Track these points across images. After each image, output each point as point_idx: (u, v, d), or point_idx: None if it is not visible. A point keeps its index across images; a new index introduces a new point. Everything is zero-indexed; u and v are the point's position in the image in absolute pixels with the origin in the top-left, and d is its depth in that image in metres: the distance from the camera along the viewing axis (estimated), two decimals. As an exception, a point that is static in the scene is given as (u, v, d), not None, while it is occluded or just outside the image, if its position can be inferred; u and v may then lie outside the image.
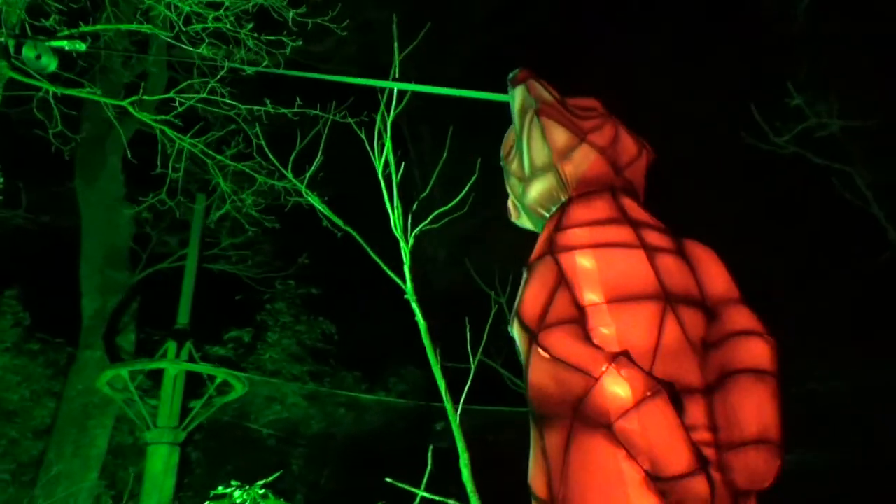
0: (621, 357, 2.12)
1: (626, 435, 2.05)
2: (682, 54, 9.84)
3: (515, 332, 2.51)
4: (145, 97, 4.40)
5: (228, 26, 4.33)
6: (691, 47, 9.61)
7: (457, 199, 4.41)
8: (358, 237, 4.66)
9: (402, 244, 4.37)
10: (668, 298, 2.39)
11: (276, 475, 4.86)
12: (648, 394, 2.04)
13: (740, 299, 2.49)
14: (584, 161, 2.80)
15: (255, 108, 4.57)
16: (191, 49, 4.32)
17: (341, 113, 4.41)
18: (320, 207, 4.67)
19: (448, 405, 4.22)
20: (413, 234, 4.26)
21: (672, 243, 2.61)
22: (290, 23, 4.38)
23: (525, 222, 3.12)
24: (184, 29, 4.25)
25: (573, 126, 2.84)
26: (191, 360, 7.07)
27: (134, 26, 4.34)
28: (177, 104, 4.40)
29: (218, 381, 7.16)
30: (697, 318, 2.40)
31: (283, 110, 4.58)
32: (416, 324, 4.33)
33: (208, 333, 9.36)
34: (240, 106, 4.54)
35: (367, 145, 4.31)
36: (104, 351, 8.37)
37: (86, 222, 8.71)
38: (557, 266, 2.47)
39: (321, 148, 4.46)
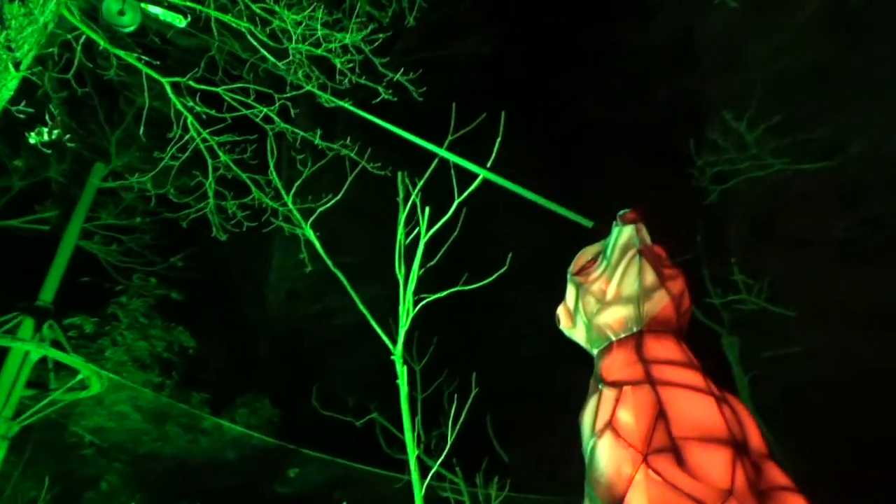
0: (731, 496, 2.51)
1: None
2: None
3: (605, 445, 2.79)
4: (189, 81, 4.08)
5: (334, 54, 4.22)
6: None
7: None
8: (346, 283, 4.65)
9: (401, 308, 4.45)
10: (734, 445, 2.84)
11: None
12: None
13: (770, 455, 3.02)
14: (659, 303, 3.23)
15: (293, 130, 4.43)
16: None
17: (375, 165, 4.45)
18: (317, 245, 4.59)
19: (415, 475, 4.28)
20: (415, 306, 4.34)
21: (720, 391, 3.10)
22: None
23: (577, 334, 3.46)
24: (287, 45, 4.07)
25: (659, 271, 3.27)
26: (57, 345, 6.20)
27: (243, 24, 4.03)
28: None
29: (80, 376, 6.33)
30: (749, 465, 2.87)
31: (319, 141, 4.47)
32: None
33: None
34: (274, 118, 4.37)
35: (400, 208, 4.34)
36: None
37: None
38: (657, 397, 2.83)
39: (345, 187, 4.44)
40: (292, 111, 4.46)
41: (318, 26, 4.15)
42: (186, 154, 4.61)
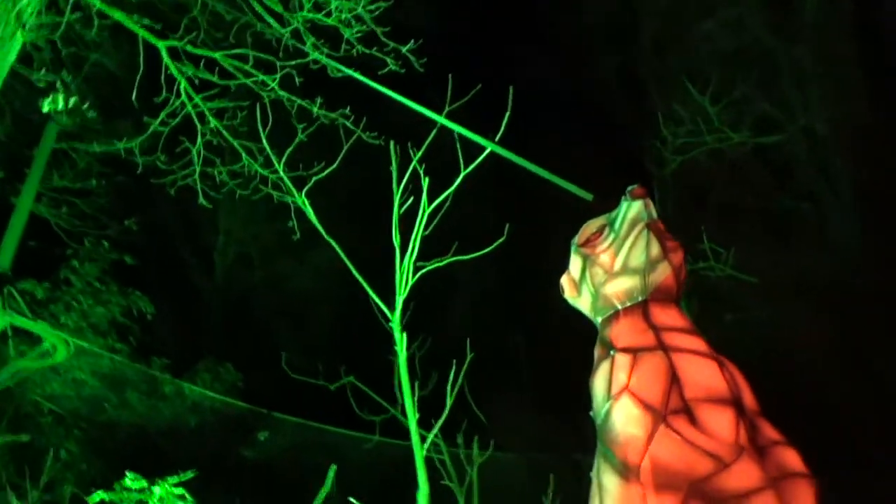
0: (746, 452, 2.77)
1: None
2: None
3: (624, 407, 3.01)
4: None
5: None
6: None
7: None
8: (343, 255, 4.70)
9: (398, 276, 4.54)
10: (736, 405, 3.11)
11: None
12: (766, 484, 2.72)
13: (761, 413, 3.32)
14: (663, 273, 3.45)
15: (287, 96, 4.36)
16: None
17: (371, 134, 4.46)
18: (310, 214, 4.61)
19: (416, 441, 4.43)
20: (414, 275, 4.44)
21: (718, 355, 3.37)
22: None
23: (581, 303, 3.67)
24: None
25: (663, 244, 3.49)
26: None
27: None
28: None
29: (46, 345, 6.14)
30: (747, 422, 3.16)
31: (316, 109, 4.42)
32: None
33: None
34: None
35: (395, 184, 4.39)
36: None
37: None
38: (670, 362, 3.06)
39: (340, 156, 4.47)
40: (297, 79, 4.42)
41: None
42: (177, 120, 4.51)
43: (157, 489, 4.29)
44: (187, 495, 4.40)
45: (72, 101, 3.96)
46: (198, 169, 4.73)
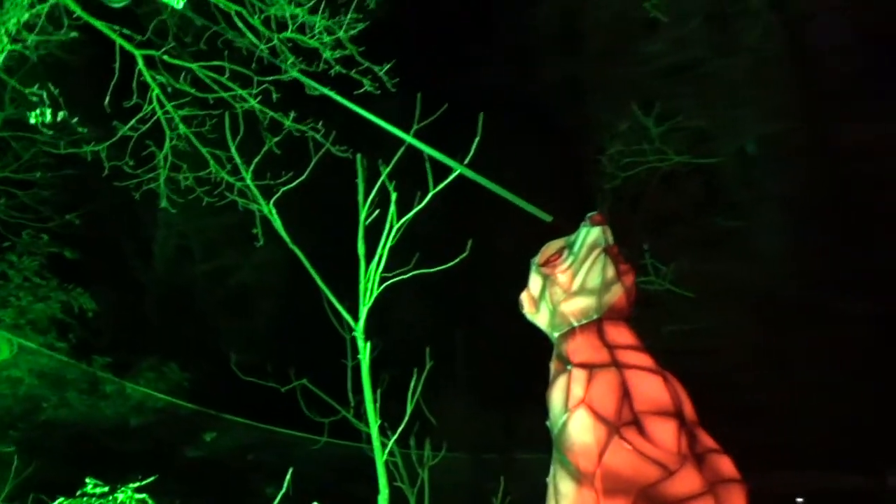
0: (690, 463, 3.07)
1: None
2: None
3: (580, 419, 3.27)
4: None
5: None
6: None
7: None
8: (307, 263, 4.82)
9: (361, 286, 4.69)
10: (678, 416, 3.42)
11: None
12: (704, 489, 3.03)
13: (699, 423, 3.65)
14: (616, 294, 3.74)
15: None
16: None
17: (338, 147, 4.58)
18: (276, 223, 4.70)
19: (377, 447, 4.58)
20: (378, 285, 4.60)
21: (663, 370, 3.68)
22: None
23: (539, 319, 3.92)
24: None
25: (617, 267, 3.78)
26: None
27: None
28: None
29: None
30: (686, 432, 3.47)
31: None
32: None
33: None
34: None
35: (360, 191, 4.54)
36: None
37: None
38: (622, 378, 3.35)
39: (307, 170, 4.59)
40: (274, 95, 4.50)
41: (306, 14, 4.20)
42: (147, 126, 4.52)
43: (119, 495, 4.30)
44: (148, 499, 4.43)
45: (60, 114, 3.93)
46: (164, 174, 4.73)
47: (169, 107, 4.46)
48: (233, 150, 4.53)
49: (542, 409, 3.60)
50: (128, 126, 4.54)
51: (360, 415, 6.61)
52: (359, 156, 4.70)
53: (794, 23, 12.19)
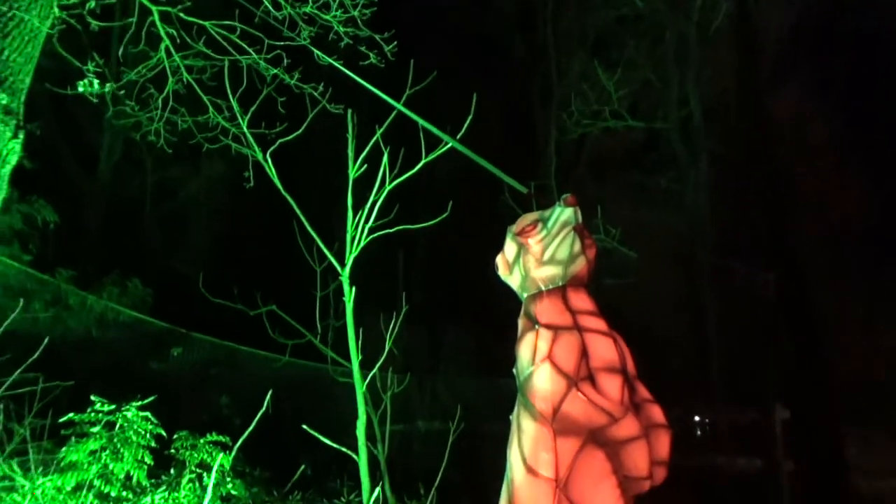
0: (630, 412, 3.80)
1: (627, 453, 3.74)
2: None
3: (545, 372, 3.94)
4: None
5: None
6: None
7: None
8: (296, 207, 5.21)
9: (349, 234, 5.15)
10: (624, 372, 4.15)
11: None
12: (641, 433, 3.77)
13: (637, 376, 4.40)
14: (580, 265, 4.38)
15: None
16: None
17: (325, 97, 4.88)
18: (270, 171, 5.04)
19: (357, 379, 5.17)
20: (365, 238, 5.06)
21: (612, 331, 4.39)
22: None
23: (511, 280, 4.54)
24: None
25: (583, 242, 4.41)
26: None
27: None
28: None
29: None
30: (629, 385, 4.21)
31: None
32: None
33: None
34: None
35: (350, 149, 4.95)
36: None
37: None
38: (582, 340, 4.02)
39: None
40: (285, 60, 4.72)
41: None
42: (154, 72, 4.69)
43: (128, 413, 4.73)
44: (151, 417, 4.89)
45: (108, 86, 3.99)
46: (160, 115, 4.92)
47: (177, 57, 4.62)
48: (232, 100, 4.79)
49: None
50: (134, 72, 4.69)
51: (326, 340, 7.17)
52: (349, 111, 5.06)
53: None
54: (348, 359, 6.67)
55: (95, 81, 4.20)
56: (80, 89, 4.21)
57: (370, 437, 5.80)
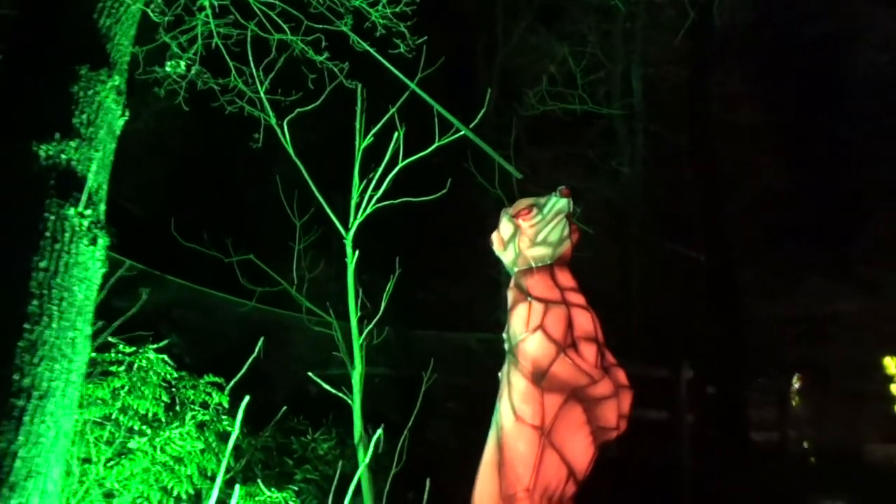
0: (606, 375, 4.57)
1: (600, 408, 4.53)
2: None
3: (536, 339, 4.64)
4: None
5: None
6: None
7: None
8: (307, 175, 5.61)
9: (353, 200, 5.61)
10: (597, 341, 4.92)
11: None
12: (613, 393, 4.57)
13: (605, 343, 5.19)
14: (565, 247, 5.09)
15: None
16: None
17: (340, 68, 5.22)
18: (288, 146, 5.38)
19: (355, 334, 5.69)
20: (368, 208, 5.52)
21: (590, 306, 5.14)
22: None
23: (505, 257, 5.20)
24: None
25: (570, 228, 5.11)
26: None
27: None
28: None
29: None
30: (601, 352, 4.99)
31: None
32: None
33: None
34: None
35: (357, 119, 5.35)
36: None
37: None
38: (569, 313, 4.74)
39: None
40: (323, 42, 4.97)
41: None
42: (189, 35, 4.88)
43: (150, 355, 5.09)
44: (167, 358, 5.26)
45: (193, 70, 4.07)
46: (183, 75, 5.09)
47: (213, 24, 4.79)
48: (252, 66, 5.07)
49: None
50: (169, 35, 4.83)
51: (301, 290, 7.58)
52: (359, 85, 5.47)
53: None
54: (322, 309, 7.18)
55: (182, 62, 4.36)
56: (168, 69, 4.36)
57: (346, 382, 6.39)
